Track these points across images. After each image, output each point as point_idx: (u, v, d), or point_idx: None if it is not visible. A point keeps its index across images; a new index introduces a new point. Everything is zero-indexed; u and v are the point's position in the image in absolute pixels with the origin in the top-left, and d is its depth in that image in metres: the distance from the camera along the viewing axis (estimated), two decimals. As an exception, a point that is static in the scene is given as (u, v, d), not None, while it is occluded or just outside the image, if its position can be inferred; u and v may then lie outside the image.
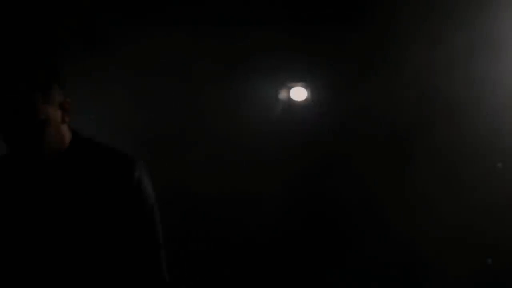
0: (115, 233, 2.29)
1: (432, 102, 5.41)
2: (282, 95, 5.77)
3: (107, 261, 2.28)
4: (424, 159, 5.44)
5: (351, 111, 5.59)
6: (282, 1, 5.32)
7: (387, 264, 5.49)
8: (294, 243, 5.72)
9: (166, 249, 2.46)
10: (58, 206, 2.30)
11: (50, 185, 2.34)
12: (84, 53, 5.25)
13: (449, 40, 5.25)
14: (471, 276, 5.45)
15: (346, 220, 5.60)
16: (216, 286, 5.70)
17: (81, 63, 5.23)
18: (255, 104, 5.70)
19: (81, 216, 2.28)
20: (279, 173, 5.63)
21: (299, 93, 5.77)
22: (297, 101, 5.77)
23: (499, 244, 5.44)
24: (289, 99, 5.77)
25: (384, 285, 5.51)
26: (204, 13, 5.30)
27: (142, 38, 5.29)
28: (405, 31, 5.26)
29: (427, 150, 5.43)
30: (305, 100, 5.76)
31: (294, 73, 5.70)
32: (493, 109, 5.28)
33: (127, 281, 2.30)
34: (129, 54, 5.32)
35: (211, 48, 5.39)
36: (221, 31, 5.33)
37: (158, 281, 2.35)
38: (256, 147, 5.61)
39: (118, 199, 2.31)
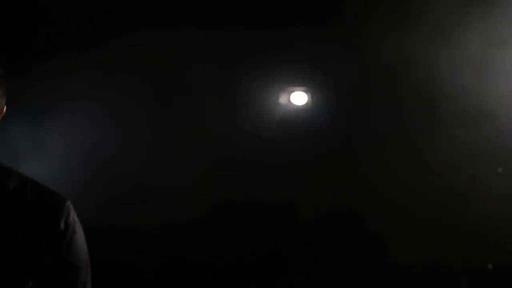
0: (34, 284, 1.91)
1: (433, 106, 5.42)
2: (282, 99, 5.77)
3: None
4: (425, 163, 5.44)
5: (352, 115, 5.59)
6: (283, 5, 5.33)
7: (385, 267, 5.49)
8: (294, 245, 5.72)
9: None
10: None
11: None
12: (83, 52, 5.26)
13: (453, 41, 5.26)
14: (472, 280, 5.45)
15: (347, 222, 5.59)
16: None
17: (80, 62, 5.26)
18: (255, 108, 5.70)
19: None
20: (279, 177, 5.63)
21: (299, 98, 5.76)
22: (297, 106, 5.76)
23: (499, 249, 5.44)
24: (290, 103, 5.77)
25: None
26: (204, 14, 5.30)
27: (143, 38, 5.29)
28: (406, 35, 5.28)
29: (427, 154, 5.43)
30: (306, 104, 5.76)
31: (294, 77, 5.70)
32: (494, 112, 5.28)
33: None
34: (128, 54, 5.32)
35: (210, 51, 5.40)
36: (221, 33, 5.33)
37: None
38: (256, 151, 5.61)
39: (38, 247, 1.90)
